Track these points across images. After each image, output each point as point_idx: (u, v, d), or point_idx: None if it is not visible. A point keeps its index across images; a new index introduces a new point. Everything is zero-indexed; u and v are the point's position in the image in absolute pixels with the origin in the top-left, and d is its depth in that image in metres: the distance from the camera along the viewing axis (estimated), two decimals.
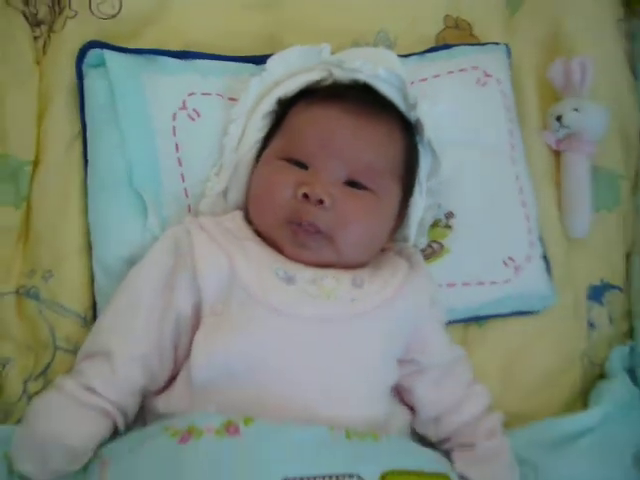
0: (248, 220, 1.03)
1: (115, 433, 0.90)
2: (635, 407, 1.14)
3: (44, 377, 1.03)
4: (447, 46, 1.26)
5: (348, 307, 0.95)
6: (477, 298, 1.15)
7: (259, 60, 1.14)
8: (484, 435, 1.01)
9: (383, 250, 1.07)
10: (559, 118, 1.24)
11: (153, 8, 1.20)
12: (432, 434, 1.04)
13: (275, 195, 0.98)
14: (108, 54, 1.10)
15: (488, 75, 1.23)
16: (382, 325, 0.97)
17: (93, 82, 1.11)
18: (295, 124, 1.03)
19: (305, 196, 0.95)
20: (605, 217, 1.28)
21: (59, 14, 1.17)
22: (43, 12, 1.18)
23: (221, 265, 0.94)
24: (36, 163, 1.12)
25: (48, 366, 1.03)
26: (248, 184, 1.07)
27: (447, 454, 1.00)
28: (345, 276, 0.97)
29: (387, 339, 0.98)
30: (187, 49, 1.15)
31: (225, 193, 1.08)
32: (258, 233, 1.01)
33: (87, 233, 1.08)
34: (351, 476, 0.80)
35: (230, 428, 0.80)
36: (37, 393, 0.99)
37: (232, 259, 0.94)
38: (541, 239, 1.21)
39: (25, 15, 1.17)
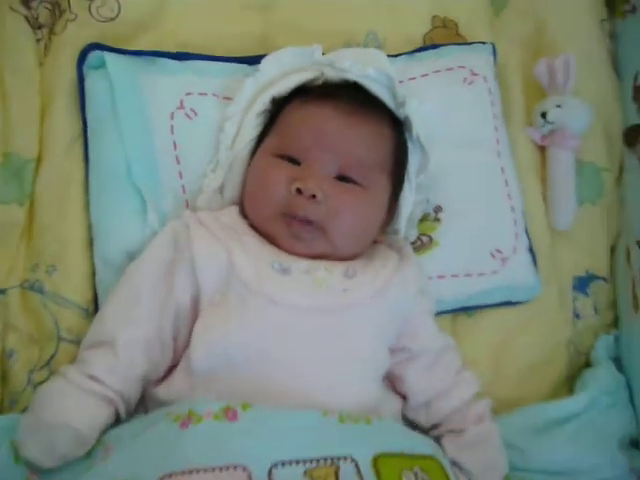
0: (243, 215, 1.05)
1: (117, 421, 0.91)
2: (620, 393, 1.16)
3: (48, 367, 1.04)
4: (435, 46, 1.27)
5: (340, 297, 0.97)
6: (466, 289, 1.17)
7: (253, 61, 1.15)
8: (473, 420, 1.03)
9: (375, 243, 1.09)
10: (544, 114, 1.26)
11: (151, 11, 1.21)
12: (423, 420, 1.06)
13: (270, 190, 0.99)
14: (108, 56, 1.11)
15: (475, 74, 1.24)
16: (374, 314, 0.99)
17: (94, 83, 1.11)
18: (289, 122, 1.05)
19: (298, 191, 0.97)
20: (589, 209, 1.29)
21: (59, 17, 1.18)
22: (44, 16, 1.19)
23: (219, 258, 0.95)
24: (39, 161, 1.13)
25: (52, 357, 1.04)
26: (243, 180, 1.08)
27: (438, 440, 1.02)
28: (337, 267, 0.99)
29: (379, 328, 1.00)
30: (183, 51, 1.16)
31: (221, 189, 1.09)
32: (253, 227, 1.02)
33: (89, 228, 1.09)
34: (345, 458, 0.81)
35: (229, 413, 0.82)
36: (42, 383, 1.00)
37: (230, 253, 0.95)
38: (527, 232, 1.22)
39: (27, 19, 1.17)
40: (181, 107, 1.12)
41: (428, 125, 1.13)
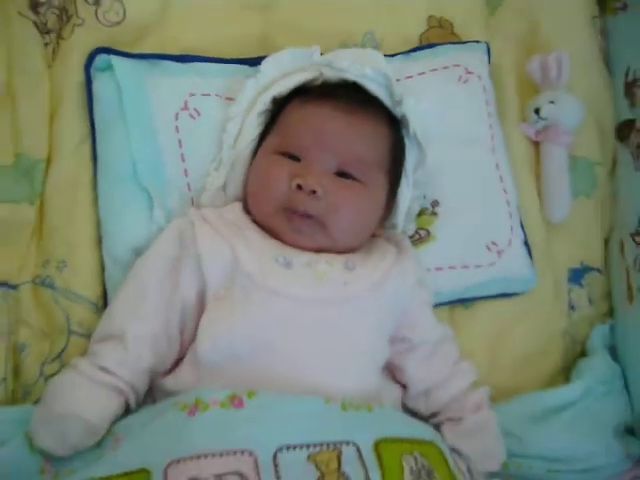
0: (247, 210, 1.06)
1: (127, 411, 0.93)
2: (615, 382, 1.17)
3: (60, 360, 1.05)
4: (431, 45, 1.28)
5: (341, 290, 0.98)
6: (463, 281, 1.18)
7: (254, 62, 1.17)
8: (471, 409, 1.05)
9: (373, 237, 1.10)
10: (537, 110, 1.27)
11: (155, 16, 1.22)
12: (422, 408, 1.07)
13: (271, 187, 1.01)
14: (115, 59, 1.12)
15: (469, 72, 1.26)
16: (373, 307, 1.00)
17: (101, 85, 1.13)
18: (289, 121, 1.06)
19: (299, 187, 0.98)
20: (583, 202, 1.30)
21: (67, 22, 1.19)
22: (52, 21, 1.20)
23: (224, 254, 0.97)
24: (48, 161, 1.14)
25: (63, 350, 1.06)
26: (245, 178, 1.09)
27: (437, 428, 1.03)
28: (338, 260, 1.00)
29: (378, 320, 1.01)
30: (186, 53, 1.18)
31: (224, 187, 1.10)
32: (256, 223, 1.03)
33: (97, 226, 1.11)
34: (347, 443, 0.83)
35: (235, 401, 0.84)
36: (53, 375, 1.01)
37: (234, 248, 0.97)
38: (522, 225, 1.24)
39: (36, 24, 1.18)
40: (185, 108, 1.13)
41: (425, 122, 1.14)
